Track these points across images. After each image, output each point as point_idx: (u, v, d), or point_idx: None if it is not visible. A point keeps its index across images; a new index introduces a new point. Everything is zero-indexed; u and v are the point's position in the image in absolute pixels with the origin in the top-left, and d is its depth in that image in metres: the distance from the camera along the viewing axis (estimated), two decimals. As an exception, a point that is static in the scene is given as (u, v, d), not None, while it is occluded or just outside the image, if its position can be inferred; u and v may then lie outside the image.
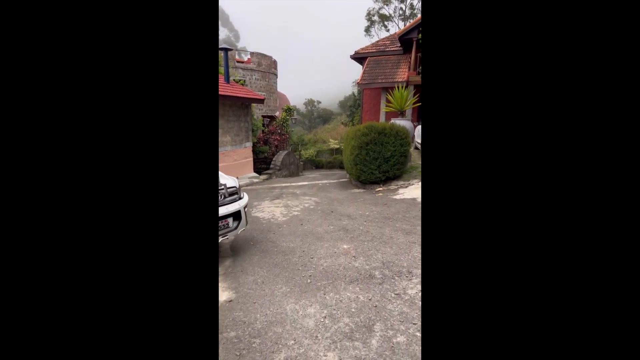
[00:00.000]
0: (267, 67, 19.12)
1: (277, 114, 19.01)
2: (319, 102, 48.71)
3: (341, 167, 19.84)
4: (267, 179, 10.63)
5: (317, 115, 46.03)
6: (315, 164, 21.17)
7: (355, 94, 24.77)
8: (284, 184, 8.94)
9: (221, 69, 9.70)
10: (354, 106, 23.80)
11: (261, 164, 13.37)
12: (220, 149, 9.23)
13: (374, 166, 6.68)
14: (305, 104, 47.65)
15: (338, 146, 21.70)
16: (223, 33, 54.81)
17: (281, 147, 14.50)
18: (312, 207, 5.57)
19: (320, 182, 9.37)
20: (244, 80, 16.97)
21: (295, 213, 5.17)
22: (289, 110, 15.89)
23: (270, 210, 5.47)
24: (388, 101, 10.03)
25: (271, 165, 12.09)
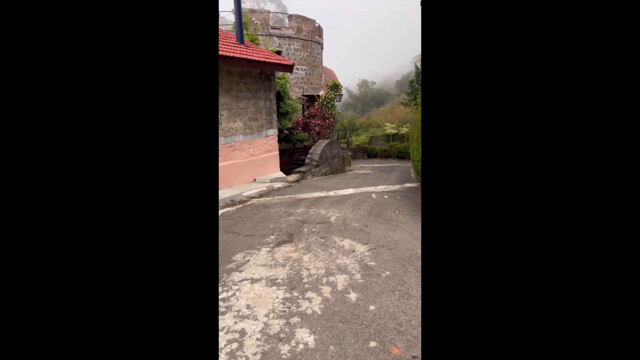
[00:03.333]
0: (308, 33, 15.27)
1: (321, 92, 15.46)
2: (374, 83, 44.13)
3: (399, 157, 16.01)
4: (297, 181, 7.42)
5: (370, 97, 41.65)
6: (367, 153, 17.66)
7: (419, 66, 20.08)
8: (316, 194, 5.65)
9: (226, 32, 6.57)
10: (416, 82, 19.36)
11: (300, 156, 10.25)
12: (227, 140, 6.16)
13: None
14: (358, 85, 43.46)
15: (396, 131, 17.92)
16: (271, 8, 52.26)
17: (324, 133, 11.15)
18: (353, 301, 2.19)
19: (374, 189, 5.93)
20: (279, 50, 13.78)
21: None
22: (335, 86, 12.29)
23: (245, 312, 2.19)
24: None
25: (306, 160, 8.88)
